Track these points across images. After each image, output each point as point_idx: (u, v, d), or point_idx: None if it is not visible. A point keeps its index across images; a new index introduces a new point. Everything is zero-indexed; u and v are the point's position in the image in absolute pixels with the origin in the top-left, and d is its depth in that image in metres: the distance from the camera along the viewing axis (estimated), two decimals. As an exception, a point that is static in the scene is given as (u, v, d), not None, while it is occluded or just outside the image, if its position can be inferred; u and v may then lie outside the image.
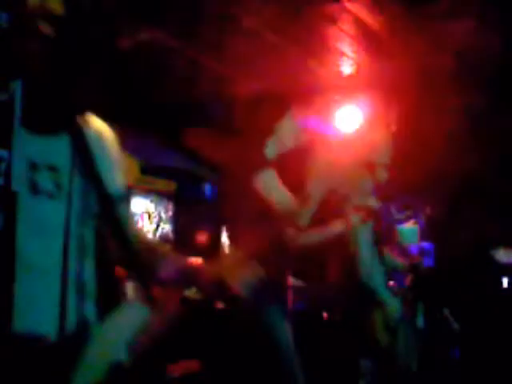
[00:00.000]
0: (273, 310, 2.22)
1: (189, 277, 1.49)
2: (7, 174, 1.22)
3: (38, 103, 1.29)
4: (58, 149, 1.31)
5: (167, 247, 1.63)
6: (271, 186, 2.22)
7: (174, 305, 1.50)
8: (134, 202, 5.49)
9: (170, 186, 6.23)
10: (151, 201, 6.29)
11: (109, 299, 1.39)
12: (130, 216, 1.54)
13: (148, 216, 6.26)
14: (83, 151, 1.33)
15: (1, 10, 1.19)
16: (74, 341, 1.27)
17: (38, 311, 1.25)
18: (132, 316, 1.35)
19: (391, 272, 3.25)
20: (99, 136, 1.44)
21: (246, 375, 2.13)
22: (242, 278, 1.37)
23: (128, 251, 1.42)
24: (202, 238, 5.62)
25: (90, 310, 1.35)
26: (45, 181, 1.28)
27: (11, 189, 1.23)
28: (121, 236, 1.42)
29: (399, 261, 3.50)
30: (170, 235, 6.56)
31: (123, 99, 4.08)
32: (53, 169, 1.29)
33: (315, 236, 2.73)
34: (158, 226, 6.41)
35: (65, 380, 1.24)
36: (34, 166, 1.27)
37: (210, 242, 5.72)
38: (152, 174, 5.71)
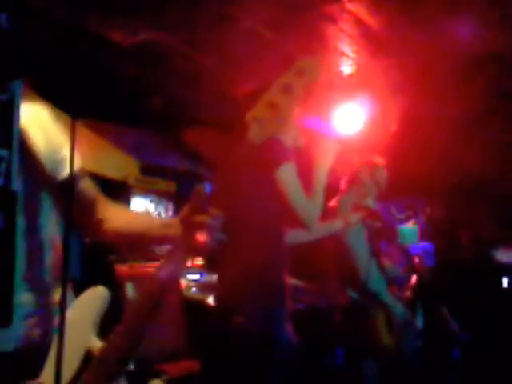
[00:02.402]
0: (273, 310, 2.22)
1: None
2: (7, 174, 1.22)
3: None
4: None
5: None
6: (291, 180, 2.20)
7: (173, 299, 1.50)
8: (134, 201, 5.49)
9: (170, 186, 6.22)
10: (151, 201, 6.28)
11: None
12: (88, 195, 1.49)
13: (148, 216, 6.25)
14: (23, 142, 1.30)
15: (1, 10, 1.18)
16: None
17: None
18: (95, 299, 1.35)
19: (391, 280, 3.26)
20: (38, 123, 1.39)
21: (245, 375, 2.12)
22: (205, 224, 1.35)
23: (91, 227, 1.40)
24: (202, 238, 5.61)
25: (45, 302, 1.35)
26: None
27: (11, 189, 1.23)
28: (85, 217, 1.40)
29: (398, 270, 3.52)
30: (170, 235, 6.54)
31: (123, 99, 4.08)
32: None
33: (313, 232, 2.72)
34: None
35: (35, 370, 1.24)
36: None
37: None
38: (152, 174, 5.70)
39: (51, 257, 1.37)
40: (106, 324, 1.36)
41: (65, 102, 1.33)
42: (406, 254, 3.85)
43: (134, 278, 3.44)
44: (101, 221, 1.49)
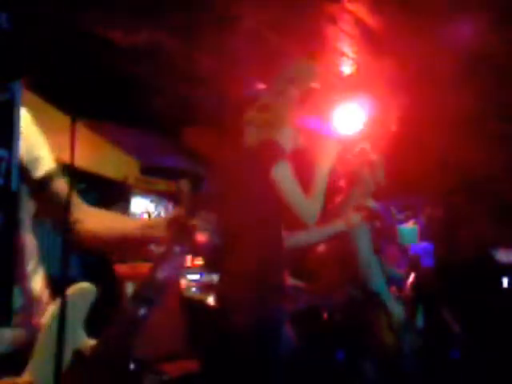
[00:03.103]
0: (272, 310, 2.22)
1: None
2: (7, 174, 1.22)
3: None
4: None
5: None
6: (287, 180, 2.20)
7: (172, 300, 1.51)
8: (134, 201, 5.49)
9: (170, 186, 6.22)
10: (151, 201, 6.28)
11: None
12: (64, 195, 1.46)
13: (148, 216, 6.26)
14: None
15: (1, 10, 1.18)
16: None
17: None
18: (81, 295, 1.35)
19: (390, 280, 3.26)
20: None
21: (244, 376, 2.12)
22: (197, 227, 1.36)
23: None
24: (202, 237, 5.61)
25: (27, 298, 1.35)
26: None
27: (11, 189, 1.23)
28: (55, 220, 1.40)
29: (397, 270, 3.52)
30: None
31: (123, 99, 4.08)
32: None
33: (314, 234, 2.73)
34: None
35: (19, 366, 1.24)
36: None
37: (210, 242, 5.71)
38: (152, 174, 5.70)
39: (25, 252, 1.37)
40: (100, 321, 1.37)
41: (65, 101, 1.33)
42: (406, 254, 3.85)
43: (133, 277, 3.44)
44: (74, 222, 1.48)
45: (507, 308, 4.71)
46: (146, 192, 5.96)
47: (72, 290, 1.33)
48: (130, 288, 3.38)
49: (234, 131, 2.09)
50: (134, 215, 5.20)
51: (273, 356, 2.15)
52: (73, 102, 1.35)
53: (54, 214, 1.43)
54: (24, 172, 1.31)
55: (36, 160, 1.41)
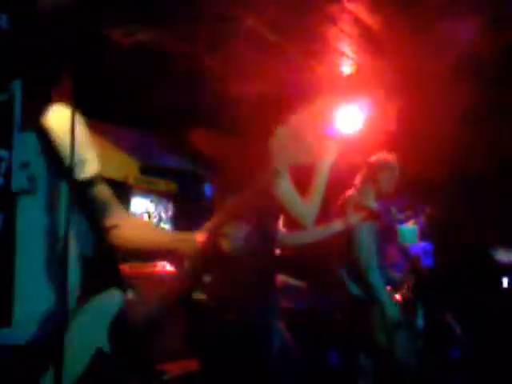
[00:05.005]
0: (265, 309, 2.22)
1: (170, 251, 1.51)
2: (7, 174, 1.22)
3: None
4: (27, 144, 1.30)
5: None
6: (283, 183, 2.21)
7: (173, 301, 1.52)
8: (134, 201, 5.49)
9: (170, 186, 6.23)
10: (151, 201, 6.29)
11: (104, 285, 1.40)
12: (105, 199, 1.51)
13: (148, 216, 6.26)
14: (48, 143, 1.33)
15: (1, 11, 1.19)
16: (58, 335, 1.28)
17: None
18: (109, 301, 1.36)
19: (387, 280, 3.26)
20: (64, 125, 1.39)
21: (239, 374, 2.13)
22: (230, 234, 1.41)
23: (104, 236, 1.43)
24: (202, 238, 5.61)
25: (73, 301, 1.36)
26: (20, 178, 1.26)
27: (11, 189, 1.23)
28: (97, 220, 1.42)
29: (395, 274, 3.52)
30: (170, 235, 6.55)
31: (123, 99, 4.08)
32: (25, 165, 1.27)
33: (314, 234, 2.73)
34: (157, 225, 6.42)
35: (45, 372, 1.24)
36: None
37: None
38: (152, 174, 5.71)
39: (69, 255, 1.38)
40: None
41: (64, 101, 1.34)
42: (406, 254, 3.85)
43: (134, 277, 3.44)
44: (113, 227, 1.50)
45: (507, 308, 4.71)
46: (146, 192, 5.97)
47: (99, 296, 1.35)
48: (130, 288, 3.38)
49: (244, 132, 2.12)
50: (133, 215, 5.20)
51: (266, 354, 2.16)
52: (72, 101, 1.35)
53: (91, 216, 1.44)
54: (67, 171, 1.32)
55: (82, 161, 1.42)
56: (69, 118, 1.42)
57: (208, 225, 1.47)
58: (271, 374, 2.18)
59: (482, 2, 2.97)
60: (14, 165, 1.23)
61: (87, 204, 1.42)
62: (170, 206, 6.55)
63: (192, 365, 3.15)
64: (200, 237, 1.47)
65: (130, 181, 5.24)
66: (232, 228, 1.43)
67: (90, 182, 1.45)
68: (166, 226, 6.51)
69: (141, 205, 6.12)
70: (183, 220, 6.31)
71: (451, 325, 3.91)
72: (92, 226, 1.47)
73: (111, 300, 1.37)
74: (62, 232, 1.34)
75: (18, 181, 1.26)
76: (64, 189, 1.36)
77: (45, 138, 1.32)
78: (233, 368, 2.11)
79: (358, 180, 3.27)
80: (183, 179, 6.16)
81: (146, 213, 6.26)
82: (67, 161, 1.33)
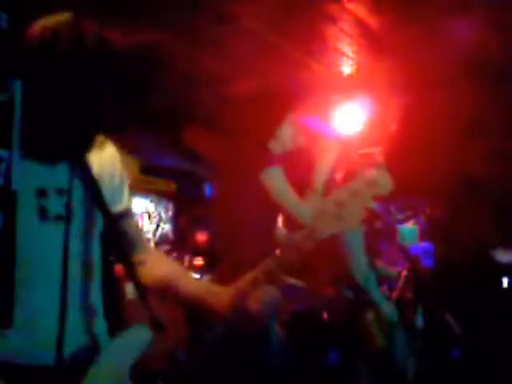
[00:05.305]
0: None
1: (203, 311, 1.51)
2: (7, 174, 1.22)
3: (43, 130, 1.29)
4: (62, 172, 1.32)
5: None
6: (278, 184, 2.22)
7: (178, 326, 1.52)
8: (134, 201, 5.49)
9: (170, 186, 6.23)
10: (151, 201, 6.29)
11: (115, 318, 1.40)
12: (134, 233, 1.54)
13: (148, 216, 6.27)
14: (85, 173, 1.35)
15: (1, 11, 1.19)
16: (82, 362, 1.26)
17: (38, 331, 1.24)
18: (136, 338, 1.34)
19: (381, 279, 3.26)
20: (102, 157, 1.44)
21: (239, 376, 2.13)
22: (260, 297, 1.39)
23: (133, 271, 1.43)
24: (202, 237, 5.63)
25: (100, 329, 1.37)
26: (55, 206, 1.29)
27: (11, 189, 1.23)
28: (124, 254, 1.43)
29: (390, 268, 3.51)
30: (170, 235, 6.56)
31: (123, 99, 4.08)
32: (60, 192, 1.30)
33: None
34: (157, 225, 6.42)
35: None
36: (42, 193, 1.28)
37: (210, 242, 5.73)
38: (152, 174, 5.71)
39: (96, 280, 1.40)
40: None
41: (64, 101, 1.34)
42: (406, 254, 3.85)
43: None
44: (140, 262, 1.52)
45: (507, 308, 4.70)
46: (146, 192, 5.97)
47: (126, 334, 1.32)
48: (129, 288, 3.38)
49: (244, 132, 2.12)
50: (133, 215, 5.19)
51: (263, 355, 2.16)
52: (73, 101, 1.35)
53: (120, 251, 1.45)
54: (103, 202, 1.34)
55: (116, 194, 1.45)
56: (109, 150, 1.47)
57: (241, 283, 1.43)
58: (270, 374, 2.18)
59: (482, 2, 2.97)
60: (13, 165, 1.23)
61: (117, 236, 1.43)
62: (170, 206, 6.56)
63: (192, 365, 3.15)
64: (229, 293, 1.44)
65: (130, 181, 5.25)
66: (266, 294, 1.39)
67: (123, 215, 1.47)
68: (166, 226, 6.51)
69: (141, 205, 6.12)
70: (183, 220, 6.32)
71: (451, 325, 3.91)
72: (117, 258, 1.47)
73: (138, 336, 1.35)
74: (92, 259, 1.37)
75: (54, 207, 1.27)
76: (99, 218, 1.37)
77: (84, 167, 1.34)
78: (232, 368, 2.11)
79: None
80: (183, 179, 6.16)
81: (145, 213, 6.26)
82: (104, 192, 1.36)
